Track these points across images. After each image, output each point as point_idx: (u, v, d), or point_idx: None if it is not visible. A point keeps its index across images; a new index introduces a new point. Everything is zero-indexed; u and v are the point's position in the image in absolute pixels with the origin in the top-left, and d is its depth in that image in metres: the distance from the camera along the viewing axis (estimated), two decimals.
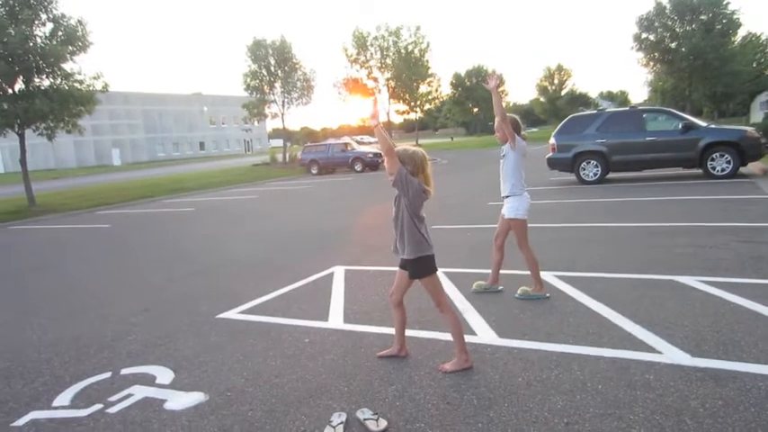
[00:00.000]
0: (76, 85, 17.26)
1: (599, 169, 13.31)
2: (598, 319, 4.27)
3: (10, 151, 55.49)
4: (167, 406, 3.43)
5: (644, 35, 39.23)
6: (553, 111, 77.58)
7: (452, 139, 72.67)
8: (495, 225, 5.20)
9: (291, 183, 23.84)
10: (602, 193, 11.75)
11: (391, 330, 4.07)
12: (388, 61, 46.19)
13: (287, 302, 5.51)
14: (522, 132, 4.97)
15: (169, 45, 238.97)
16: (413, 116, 58.02)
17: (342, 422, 3.01)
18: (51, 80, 17.02)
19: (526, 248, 4.95)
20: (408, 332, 3.97)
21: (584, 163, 13.47)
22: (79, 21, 17.12)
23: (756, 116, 45.64)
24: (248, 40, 35.81)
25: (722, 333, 3.82)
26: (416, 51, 46.77)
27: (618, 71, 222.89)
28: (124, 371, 4.06)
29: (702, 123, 13.25)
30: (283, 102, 36.29)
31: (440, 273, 3.73)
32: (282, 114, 36.71)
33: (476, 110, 78.09)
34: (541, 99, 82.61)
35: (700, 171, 12.45)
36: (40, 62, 16.38)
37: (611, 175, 13.70)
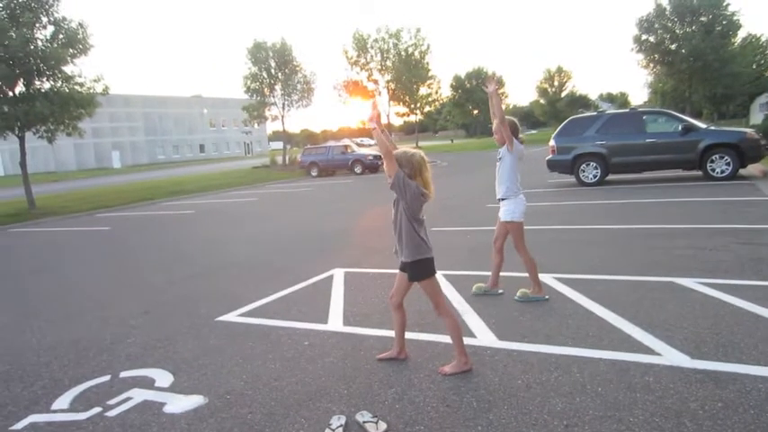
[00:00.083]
0: (77, 87, 17.27)
1: (599, 171, 13.32)
2: (598, 322, 4.27)
3: (10, 154, 55.52)
4: (167, 409, 3.43)
5: (644, 37, 39.26)
6: (553, 113, 77.67)
7: (452, 141, 72.77)
8: (494, 227, 5.20)
9: (291, 185, 23.85)
10: (602, 195, 11.75)
11: (391, 333, 4.06)
12: (389, 63, 46.22)
13: (286, 305, 5.51)
14: (520, 136, 4.97)
15: (170, 48, 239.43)
16: (413, 118, 58.03)
17: (341, 425, 3.01)
18: (52, 83, 17.04)
19: (523, 251, 4.95)
20: (408, 335, 3.97)
21: (584, 165, 13.47)
22: (80, 24, 17.15)
23: (756, 118, 45.71)
24: (249, 43, 35.90)
25: (722, 335, 3.82)
26: (417, 53, 46.79)
27: (618, 73, 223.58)
28: (123, 374, 4.06)
29: (702, 125, 13.25)
30: (283, 104, 36.34)
31: (439, 275, 3.73)
32: (282, 117, 36.77)
33: (476, 112, 78.10)
34: (541, 101, 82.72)
35: (699, 173, 12.46)
36: (41, 65, 16.39)
37: (610, 177, 13.71)
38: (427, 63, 47.97)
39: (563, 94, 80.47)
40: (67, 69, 17.09)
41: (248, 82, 35.40)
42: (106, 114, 59.23)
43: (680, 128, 12.49)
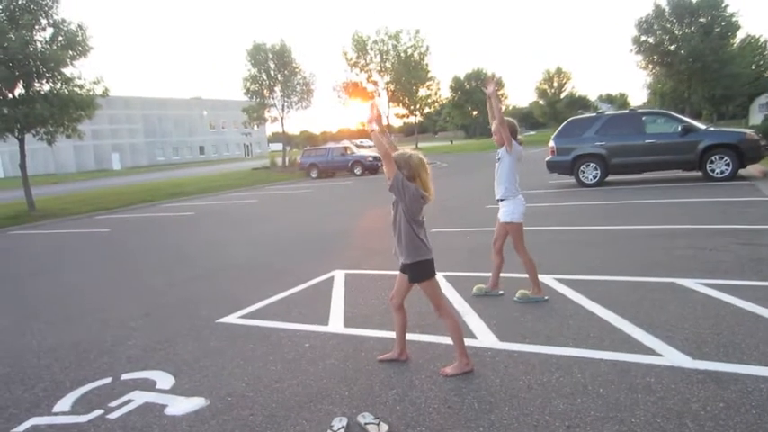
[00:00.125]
0: (77, 89, 17.28)
1: (598, 172, 13.32)
2: (598, 322, 4.27)
3: (10, 156, 55.52)
4: (168, 411, 3.43)
5: (643, 38, 39.34)
6: (552, 114, 77.73)
7: (452, 142, 72.80)
8: (494, 228, 5.20)
9: (291, 186, 23.85)
10: (602, 195, 11.75)
11: (391, 334, 4.06)
12: (388, 65, 46.25)
13: (287, 307, 5.51)
14: (519, 137, 4.98)
15: (169, 49, 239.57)
16: (412, 120, 58.07)
17: (343, 427, 3.01)
18: (51, 85, 17.06)
19: (523, 251, 4.95)
20: (409, 336, 3.97)
21: (584, 166, 13.48)
22: (79, 26, 17.17)
23: (755, 118, 45.77)
24: (248, 45, 35.92)
25: (723, 335, 3.82)
26: (416, 55, 46.83)
27: (617, 74, 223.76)
28: (124, 376, 4.06)
29: (701, 126, 13.27)
30: (283, 106, 36.38)
31: (439, 276, 3.73)
32: (282, 118, 36.82)
33: (475, 113, 78.15)
34: (541, 102, 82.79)
35: (699, 173, 12.46)
36: (41, 67, 16.40)
37: (610, 178, 13.71)
38: (426, 64, 48.01)
39: (562, 96, 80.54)
40: (67, 71, 17.13)
41: (248, 84, 35.44)
42: (106, 116, 59.24)
43: (679, 129, 12.50)
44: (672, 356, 3.55)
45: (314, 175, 27.54)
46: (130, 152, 69.76)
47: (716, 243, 6.52)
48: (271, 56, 35.44)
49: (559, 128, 14.62)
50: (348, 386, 3.56)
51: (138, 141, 71.08)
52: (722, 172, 12.01)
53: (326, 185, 22.81)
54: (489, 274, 5.26)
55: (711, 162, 12.11)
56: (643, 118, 13.42)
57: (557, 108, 77.39)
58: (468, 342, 3.80)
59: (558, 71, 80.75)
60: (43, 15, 16.59)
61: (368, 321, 4.80)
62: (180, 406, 3.47)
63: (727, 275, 5.21)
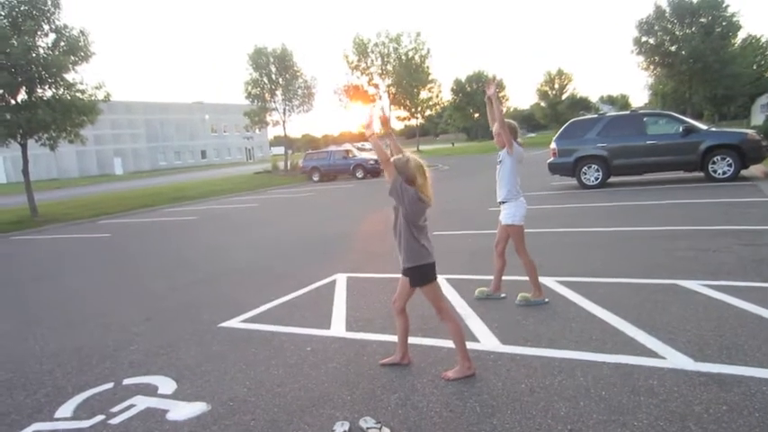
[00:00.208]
0: (79, 95, 17.31)
1: (600, 173, 13.31)
2: (601, 325, 4.26)
3: (12, 161, 55.73)
4: (170, 416, 3.43)
5: (644, 39, 39.35)
6: (554, 115, 77.60)
7: (453, 144, 72.87)
8: (495, 231, 5.19)
9: (293, 190, 23.87)
10: (604, 197, 11.74)
11: (393, 338, 4.06)
12: (389, 68, 46.36)
13: (289, 311, 5.51)
14: (518, 139, 4.98)
15: (171, 54, 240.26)
16: (414, 122, 58.13)
17: (345, 431, 3.00)
18: (54, 90, 17.09)
19: (524, 254, 4.95)
20: (411, 339, 3.96)
21: (586, 167, 13.47)
22: (81, 31, 17.20)
23: (757, 119, 45.67)
24: (249, 49, 36.02)
25: (725, 337, 3.81)
26: (417, 58, 46.93)
27: (618, 75, 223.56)
28: (126, 381, 4.06)
29: (703, 126, 13.25)
30: (284, 109, 36.42)
31: (441, 279, 3.73)
32: (284, 122, 36.83)
33: (476, 115, 78.13)
34: (542, 104, 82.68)
35: (701, 174, 12.44)
36: (43, 72, 16.45)
37: (612, 180, 13.70)
38: (427, 67, 48.11)
39: (564, 97, 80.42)
40: (69, 77, 17.14)
41: (249, 87, 35.49)
42: (108, 121, 59.42)
43: (681, 129, 12.49)
44: (674, 359, 3.54)
45: (316, 178, 27.56)
46: (133, 157, 69.93)
47: (718, 244, 6.50)
48: (272, 59, 35.50)
49: (561, 129, 14.61)
50: (350, 390, 3.55)
51: (141, 146, 71.24)
52: (724, 173, 11.99)
53: (328, 189, 22.82)
54: (491, 277, 5.26)
55: (713, 163, 12.09)
56: (644, 119, 13.41)
57: (558, 110, 77.30)
58: (470, 345, 3.80)
59: (560, 72, 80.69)
60: (45, 21, 16.64)
61: (370, 325, 4.80)
62: (182, 411, 3.47)
63: (729, 277, 5.19)
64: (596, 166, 13.33)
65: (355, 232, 10.59)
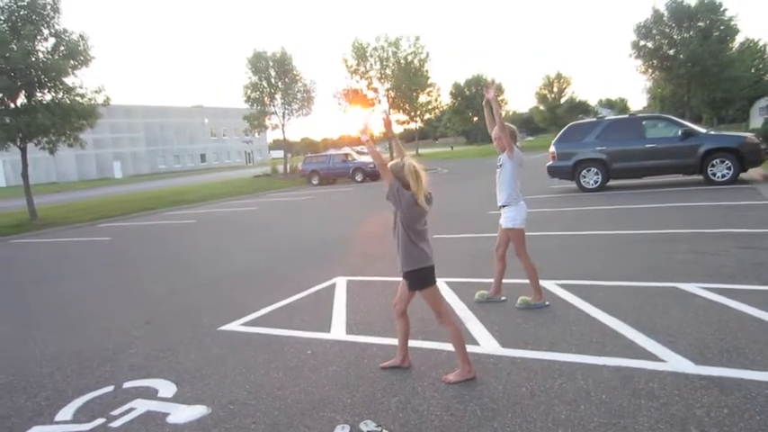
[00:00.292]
0: (78, 98, 17.34)
1: (599, 177, 13.33)
2: (601, 328, 4.26)
3: (12, 165, 55.70)
4: (170, 420, 3.42)
5: (642, 42, 39.46)
6: (553, 119, 77.74)
7: (452, 148, 72.88)
8: (495, 234, 5.20)
9: (292, 194, 23.88)
10: (603, 200, 11.75)
11: (394, 341, 4.06)
12: (388, 72, 46.33)
13: (289, 314, 5.51)
14: (518, 143, 4.99)
15: (170, 58, 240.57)
16: (413, 126, 58.16)
17: None
18: (53, 94, 17.12)
19: (525, 257, 4.95)
20: (411, 342, 3.96)
21: (585, 171, 13.49)
22: (81, 35, 17.25)
23: (756, 122, 45.69)
24: (249, 53, 36.05)
25: (726, 340, 3.81)
26: (416, 61, 46.95)
27: (617, 79, 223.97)
28: (126, 384, 4.05)
29: (702, 130, 13.29)
30: (284, 113, 36.45)
31: (441, 282, 3.73)
32: (283, 125, 36.86)
33: (475, 119, 78.26)
34: (541, 107, 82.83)
35: (700, 177, 12.47)
36: (42, 77, 16.48)
37: (611, 183, 13.71)
38: (426, 71, 48.12)
39: (562, 101, 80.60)
40: (68, 81, 17.18)
41: (249, 91, 35.53)
42: (107, 125, 59.40)
43: (680, 133, 12.53)
44: (675, 362, 3.54)
45: (315, 182, 27.57)
46: (132, 160, 69.94)
47: (717, 247, 6.51)
48: (271, 63, 35.56)
49: (560, 133, 14.64)
50: (350, 393, 3.55)
51: (140, 149, 71.26)
52: (723, 176, 12.01)
53: (328, 192, 22.83)
54: (491, 281, 5.26)
55: (712, 166, 12.11)
56: (643, 122, 13.45)
57: (557, 113, 77.41)
58: (470, 349, 3.80)
59: (558, 76, 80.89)
60: (45, 25, 16.68)
61: (370, 328, 4.80)
62: (182, 414, 3.47)
63: (729, 280, 5.20)
64: (595, 170, 13.36)
65: (355, 235, 10.59)
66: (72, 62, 16.94)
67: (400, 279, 3.72)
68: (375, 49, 46.23)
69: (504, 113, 4.89)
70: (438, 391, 3.46)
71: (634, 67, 41.64)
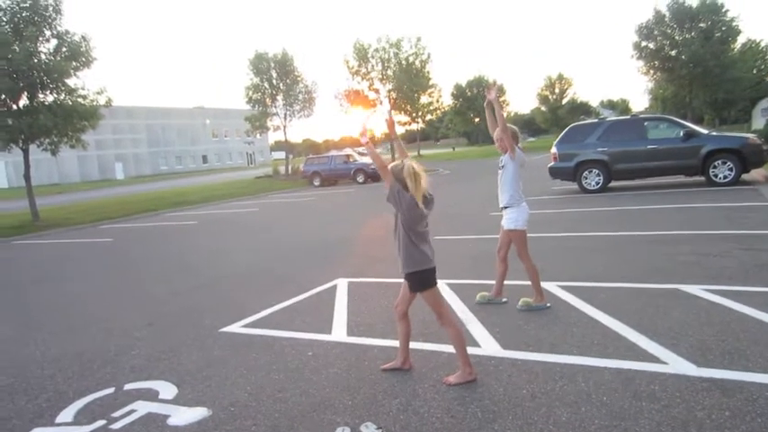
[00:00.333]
0: (80, 100, 17.39)
1: (601, 178, 13.31)
2: (602, 330, 4.25)
3: (14, 166, 55.80)
4: (171, 422, 3.42)
5: (644, 43, 39.41)
6: (554, 120, 77.74)
7: (454, 149, 72.87)
8: (497, 235, 5.19)
9: (294, 195, 23.89)
10: (605, 201, 11.73)
11: (395, 343, 4.05)
12: (390, 73, 46.33)
13: (290, 315, 5.51)
14: (519, 144, 4.99)
15: (173, 59, 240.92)
16: (414, 127, 58.17)
17: None
18: (55, 95, 17.16)
19: (526, 259, 4.94)
20: (412, 344, 3.96)
21: (586, 172, 13.47)
22: (83, 37, 17.30)
23: (758, 123, 45.60)
24: (250, 54, 36.13)
25: (727, 342, 3.80)
26: (417, 63, 46.93)
27: (618, 80, 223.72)
28: (127, 386, 4.06)
29: (704, 131, 13.27)
30: (285, 114, 36.50)
31: (442, 284, 3.73)
32: (284, 127, 36.91)
33: (477, 120, 78.26)
34: (542, 108, 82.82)
35: (702, 179, 12.44)
36: (44, 78, 16.52)
37: (613, 184, 13.69)
38: (428, 72, 48.11)
39: (564, 102, 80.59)
40: (71, 82, 17.24)
41: (250, 92, 35.60)
42: (109, 126, 59.58)
43: (681, 134, 12.51)
44: (676, 364, 3.53)
45: (317, 183, 27.59)
46: (134, 162, 70.06)
47: (719, 249, 6.50)
48: (273, 65, 35.62)
49: (562, 134, 14.62)
50: (351, 395, 3.55)
51: (142, 151, 71.38)
52: (725, 177, 11.98)
53: (329, 193, 22.84)
54: (493, 282, 5.25)
55: (714, 167, 12.08)
56: (645, 123, 13.43)
57: (559, 114, 77.43)
58: (471, 350, 3.79)
59: (560, 77, 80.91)
60: (47, 27, 16.73)
61: (371, 330, 4.79)
62: (183, 416, 3.47)
63: (731, 281, 5.19)
64: (597, 171, 13.34)
65: (356, 237, 10.59)
66: (74, 63, 16.99)
67: (401, 281, 3.72)
68: (376, 50, 46.22)
69: (505, 114, 4.88)
70: (439, 393, 3.45)
71: (636, 68, 41.71)
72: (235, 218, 16.28)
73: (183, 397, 3.78)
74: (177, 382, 4.03)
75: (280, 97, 36.04)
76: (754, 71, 51.69)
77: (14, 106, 16.70)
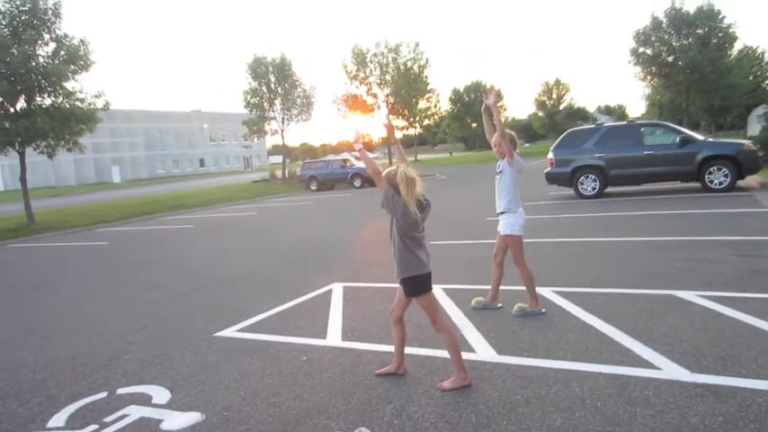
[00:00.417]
0: (78, 103, 17.37)
1: (597, 183, 13.34)
2: (597, 335, 4.25)
3: (10, 169, 55.70)
4: (164, 426, 3.41)
5: (641, 49, 39.54)
6: (551, 125, 77.89)
7: (451, 154, 73.07)
8: (492, 241, 5.20)
9: (291, 199, 23.88)
10: (601, 207, 11.76)
11: (389, 348, 4.05)
12: (388, 77, 46.43)
13: (285, 320, 5.49)
14: (517, 149, 5.00)
15: (170, 63, 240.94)
16: (412, 132, 58.31)
17: None
18: (53, 99, 17.14)
19: (522, 264, 4.95)
20: (406, 349, 3.95)
21: (583, 177, 13.50)
22: (81, 40, 17.30)
23: (753, 129, 45.85)
24: (249, 58, 36.15)
25: (721, 348, 3.80)
26: (415, 67, 47.06)
27: (615, 85, 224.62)
28: (120, 390, 4.04)
29: (700, 137, 13.32)
30: (283, 118, 36.49)
31: (438, 289, 3.73)
32: (282, 131, 36.90)
33: (474, 125, 78.40)
34: (540, 114, 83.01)
35: (697, 185, 12.48)
36: (42, 81, 16.51)
37: (609, 190, 13.73)
38: (426, 77, 48.23)
39: (561, 107, 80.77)
40: (68, 85, 17.22)
41: (248, 97, 35.58)
42: (107, 129, 59.49)
43: (677, 140, 12.55)
44: (670, 370, 3.53)
45: (313, 187, 27.59)
46: (131, 165, 69.99)
47: (714, 255, 6.51)
48: (271, 69, 35.63)
49: (558, 139, 14.66)
50: (345, 400, 3.54)
51: (139, 154, 71.32)
52: (720, 183, 12.03)
53: (326, 198, 22.84)
54: (488, 287, 5.25)
55: (710, 173, 12.13)
56: (641, 129, 13.48)
57: (556, 119, 77.55)
58: (466, 356, 3.79)
59: (557, 83, 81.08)
60: (46, 30, 16.73)
61: (366, 335, 4.78)
62: (176, 421, 3.45)
63: (725, 288, 5.19)
64: (593, 176, 13.36)
65: (352, 241, 10.58)
66: (72, 67, 16.98)
67: (397, 285, 3.72)
68: (375, 54, 46.31)
69: (502, 120, 4.89)
70: (433, 399, 3.45)
71: (633, 73, 41.61)
72: (231, 222, 16.27)
73: (176, 401, 3.76)
74: (170, 387, 4.01)
75: (278, 101, 36.05)
76: (751, 77, 51.94)
77: (12, 109, 16.67)
